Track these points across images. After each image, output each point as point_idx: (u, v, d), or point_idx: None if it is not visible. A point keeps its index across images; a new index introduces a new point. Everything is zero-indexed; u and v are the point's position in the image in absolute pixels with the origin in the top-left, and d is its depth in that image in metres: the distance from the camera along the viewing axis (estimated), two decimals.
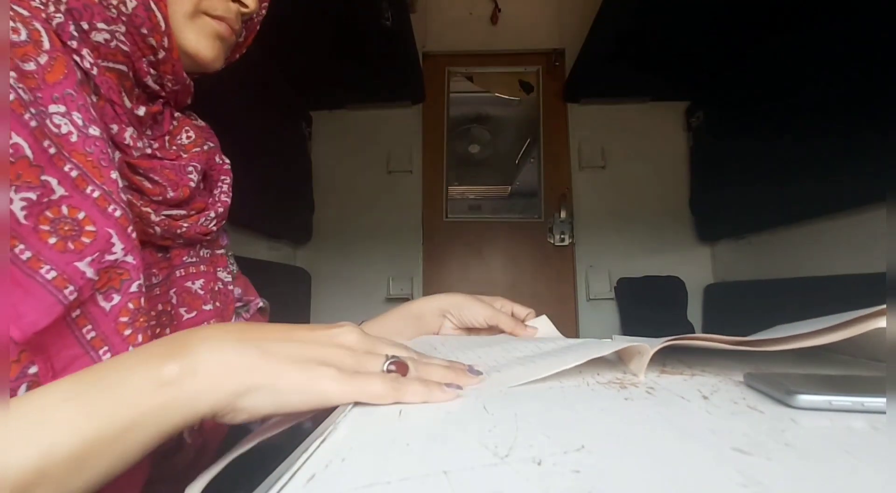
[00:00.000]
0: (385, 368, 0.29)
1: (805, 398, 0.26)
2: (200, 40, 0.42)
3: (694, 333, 0.38)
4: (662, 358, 0.41)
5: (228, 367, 0.26)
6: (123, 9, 0.38)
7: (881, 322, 0.30)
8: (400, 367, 0.29)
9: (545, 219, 2.16)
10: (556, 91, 2.22)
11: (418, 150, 2.21)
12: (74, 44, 0.36)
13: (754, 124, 1.62)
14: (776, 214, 1.54)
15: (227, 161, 0.53)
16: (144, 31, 0.39)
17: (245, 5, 0.44)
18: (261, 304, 0.57)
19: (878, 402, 0.25)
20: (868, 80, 1.14)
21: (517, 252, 2.17)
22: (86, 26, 0.37)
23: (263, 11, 0.48)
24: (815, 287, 1.32)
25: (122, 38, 0.39)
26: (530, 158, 2.29)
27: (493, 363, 0.39)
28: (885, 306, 0.30)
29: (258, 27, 0.51)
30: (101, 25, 0.37)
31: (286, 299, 1.80)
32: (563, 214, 2.10)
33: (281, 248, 1.98)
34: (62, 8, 0.36)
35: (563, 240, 2.12)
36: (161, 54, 0.41)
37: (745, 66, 1.66)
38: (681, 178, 2.08)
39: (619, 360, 0.42)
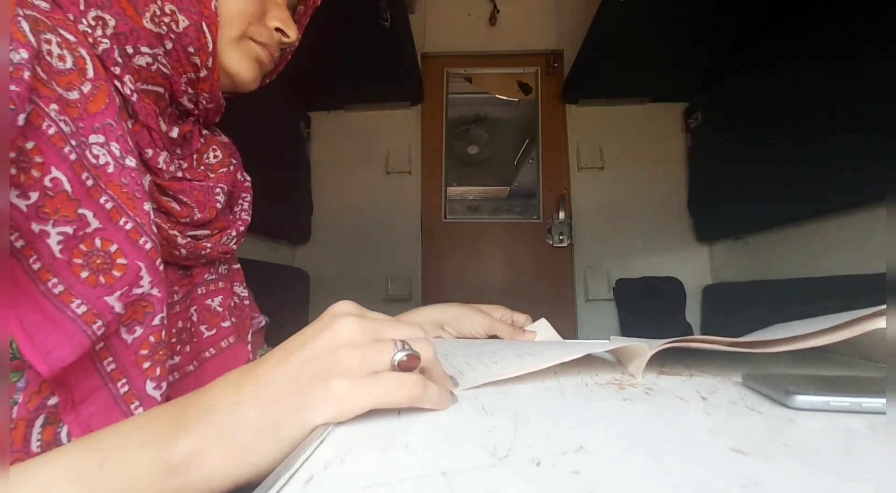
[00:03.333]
0: (396, 362, 0.27)
1: (803, 399, 0.26)
2: (242, 62, 0.44)
3: (692, 333, 0.39)
4: (661, 359, 0.41)
5: (237, 443, 0.24)
6: (174, 27, 0.39)
7: (880, 323, 0.30)
8: (411, 360, 0.27)
9: (544, 220, 2.16)
10: (555, 92, 2.23)
11: (417, 150, 2.21)
12: (118, 70, 0.37)
13: (752, 125, 1.62)
14: (774, 214, 1.54)
15: (248, 179, 0.54)
16: (191, 50, 0.40)
17: (287, 36, 0.47)
18: (262, 323, 0.57)
19: (876, 402, 0.26)
20: (866, 78, 1.14)
21: (516, 253, 2.17)
22: (130, 50, 0.37)
23: (297, 43, 0.49)
24: (814, 288, 1.32)
25: (164, 61, 0.40)
26: (529, 159, 2.29)
27: (490, 358, 0.39)
28: (883, 307, 0.30)
29: (289, 57, 0.53)
30: (144, 49, 0.38)
31: (285, 299, 1.80)
32: (561, 215, 2.10)
33: (280, 248, 1.98)
34: (108, 32, 0.36)
35: (561, 241, 2.12)
36: (203, 73, 0.42)
37: (742, 66, 1.67)
38: (679, 178, 2.09)
39: (617, 361, 0.42)
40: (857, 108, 1.16)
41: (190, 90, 0.43)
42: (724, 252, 1.95)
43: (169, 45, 0.39)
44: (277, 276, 1.77)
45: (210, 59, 0.42)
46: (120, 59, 0.37)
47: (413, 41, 1.81)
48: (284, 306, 1.76)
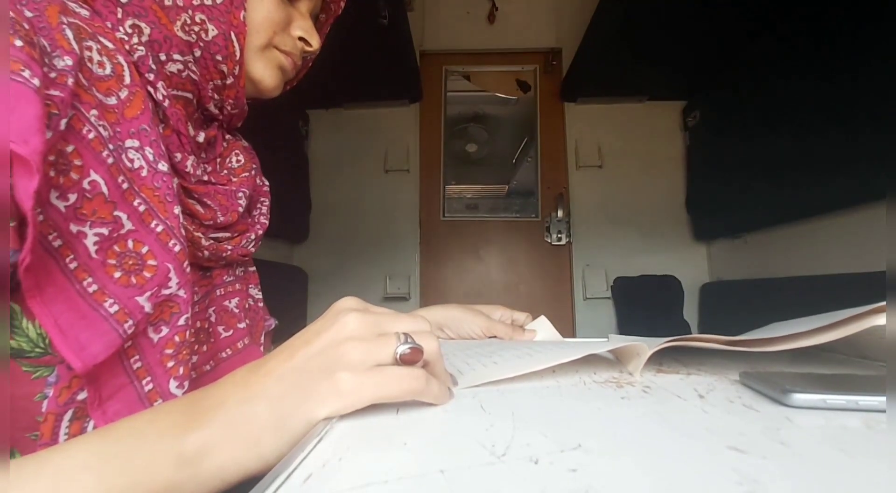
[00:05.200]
0: (399, 355, 0.27)
1: (800, 397, 0.26)
2: (267, 70, 0.46)
3: (690, 332, 0.39)
4: (659, 357, 0.41)
5: (247, 436, 0.25)
6: (204, 35, 0.40)
7: (878, 320, 0.30)
8: (414, 353, 0.28)
9: (542, 218, 2.17)
10: (553, 90, 2.23)
11: (415, 149, 2.21)
12: (151, 76, 0.38)
13: (750, 123, 1.62)
14: (772, 212, 1.54)
15: (267, 183, 0.56)
16: (219, 58, 0.41)
17: (310, 45, 0.48)
18: (272, 326, 0.58)
19: (873, 400, 0.26)
20: (865, 77, 1.14)
21: (514, 251, 2.17)
22: (163, 58, 0.39)
23: (318, 51, 0.50)
24: (811, 286, 1.32)
25: (193, 68, 0.41)
26: (527, 158, 2.29)
27: (490, 359, 0.39)
28: (882, 304, 0.30)
29: (310, 65, 0.54)
30: (176, 57, 0.39)
31: (283, 298, 1.80)
32: (559, 214, 2.10)
33: (278, 246, 1.98)
34: (143, 39, 0.37)
35: (560, 239, 2.12)
36: (229, 80, 0.43)
37: (741, 65, 1.67)
38: (677, 177, 2.09)
39: (616, 359, 0.42)
40: (856, 106, 1.17)
41: (216, 96, 0.44)
42: (721, 251, 1.96)
43: (198, 53, 0.40)
44: (276, 274, 1.77)
45: (237, 68, 0.43)
46: (154, 66, 0.38)
47: (411, 39, 1.81)
48: (283, 305, 1.76)
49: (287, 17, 0.46)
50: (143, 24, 0.37)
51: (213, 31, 0.40)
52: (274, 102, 0.50)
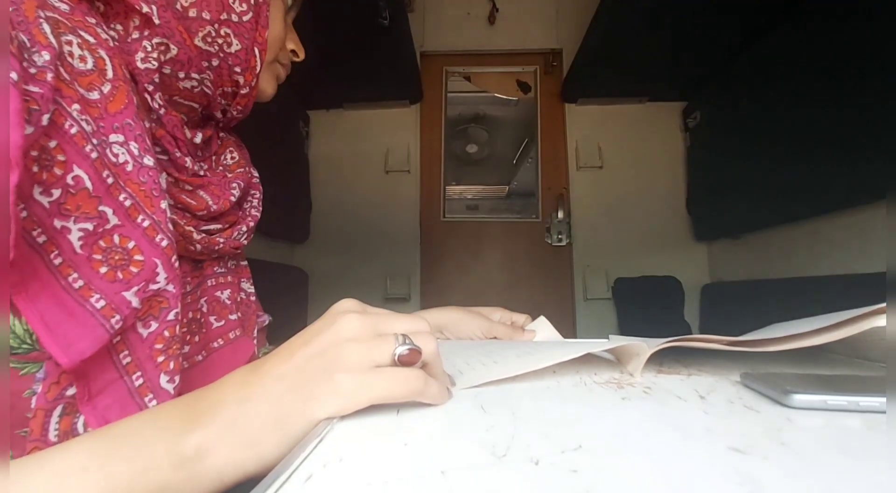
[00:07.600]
0: (397, 356, 0.27)
1: (801, 398, 0.26)
2: (269, 80, 0.49)
3: (691, 332, 0.39)
4: (659, 358, 0.41)
5: (245, 436, 0.25)
6: (226, 47, 0.42)
7: (879, 321, 0.30)
8: (412, 354, 0.28)
9: (543, 219, 2.17)
10: (554, 91, 2.23)
11: (416, 149, 2.21)
12: (150, 87, 0.39)
13: (750, 124, 1.62)
14: (773, 213, 1.54)
15: (257, 175, 0.56)
16: (237, 69, 0.44)
17: (298, 56, 0.53)
18: (266, 321, 0.58)
19: (874, 401, 0.26)
20: (864, 78, 1.14)
21: (515, 252, 2.17)
22: (181, 75, 0.41)
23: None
24: (812, 287, 1.32)
25: (208, 83, 0.43)
26: (528, 158, 2.29)
27: (490, 358, 0.39)
28: (882, 305, 0.30)
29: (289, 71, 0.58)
30: (193, 75, 0.42)
31: (284, 298, 1.80)
32: (560, 214, 2.10)
33: (278, 247, 1.98)
34: (167, 57, 0.39)
35: (560, 240, 2.12)
36: (244, 91, 0.46)
37: (741, 66, 1.67)
38: (678, 178, 2.09)
39: (616, 360, 0.42)
40: (856, 106, 1.17)
41: (223, 102, 0.46)
42: (722, 251, 1.96)
43: (216, 62, 0.42)
44: (276, 275, 1.77)
45: (255, 80, 0.45)
46: (157, 79, 0.39)
47: (412, 40, 1.81)
48: (283, 305, 1.76)
49: (285, 32, 0.49)
50: (172, 45, 0.39)
51: (236, 45, 0.42)
52: (274, 102, 0.51)
